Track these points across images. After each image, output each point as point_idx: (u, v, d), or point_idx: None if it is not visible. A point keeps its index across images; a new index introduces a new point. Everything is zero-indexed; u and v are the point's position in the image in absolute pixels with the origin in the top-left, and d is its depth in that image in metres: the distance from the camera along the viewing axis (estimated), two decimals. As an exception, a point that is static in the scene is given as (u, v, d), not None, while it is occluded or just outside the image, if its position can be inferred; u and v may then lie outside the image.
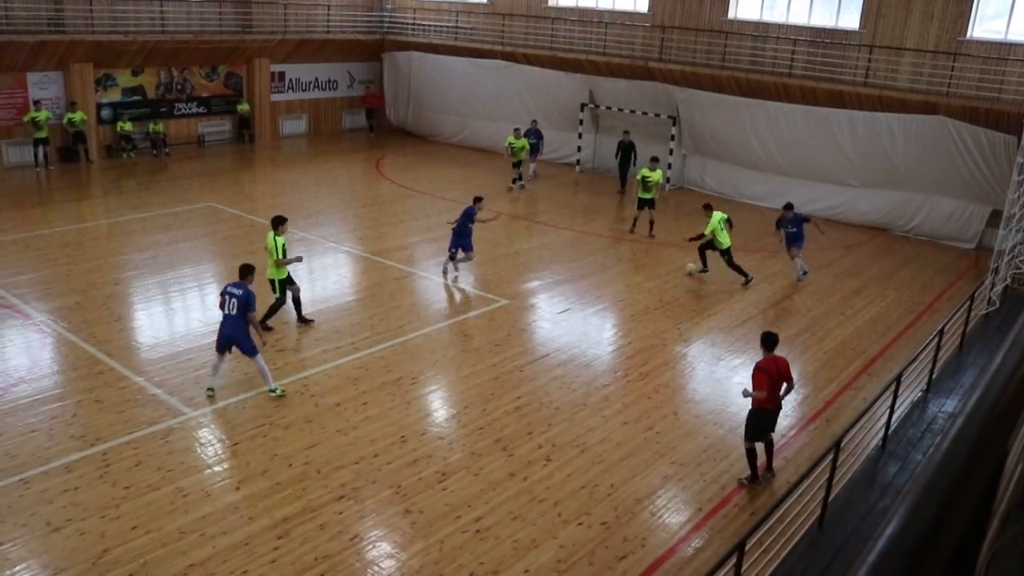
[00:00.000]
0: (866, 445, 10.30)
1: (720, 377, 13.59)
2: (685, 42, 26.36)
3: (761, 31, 25.22)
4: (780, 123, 24.10)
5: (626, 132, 25.82)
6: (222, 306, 12.03)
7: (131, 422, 11.34)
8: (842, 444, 8.66)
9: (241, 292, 11.92)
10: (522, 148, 25.17)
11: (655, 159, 21.28)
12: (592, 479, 10.56)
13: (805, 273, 18.33)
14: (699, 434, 11.78)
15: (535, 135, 26.50)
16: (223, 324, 12.01)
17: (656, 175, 20.57)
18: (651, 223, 20.81)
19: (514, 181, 25.66)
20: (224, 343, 12.02)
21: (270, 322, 14.36)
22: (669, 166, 26.44)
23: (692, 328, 15.54)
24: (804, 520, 8.47)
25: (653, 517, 9.90)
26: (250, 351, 11.98)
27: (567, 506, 9.97)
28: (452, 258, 17.12)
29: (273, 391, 12.14)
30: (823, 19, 24.54)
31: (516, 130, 25.76)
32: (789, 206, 18.22)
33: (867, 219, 23.27)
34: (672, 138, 26.27)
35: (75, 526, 9.18)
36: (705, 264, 18.18)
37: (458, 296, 16.76)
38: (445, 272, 17.41)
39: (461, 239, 17.06)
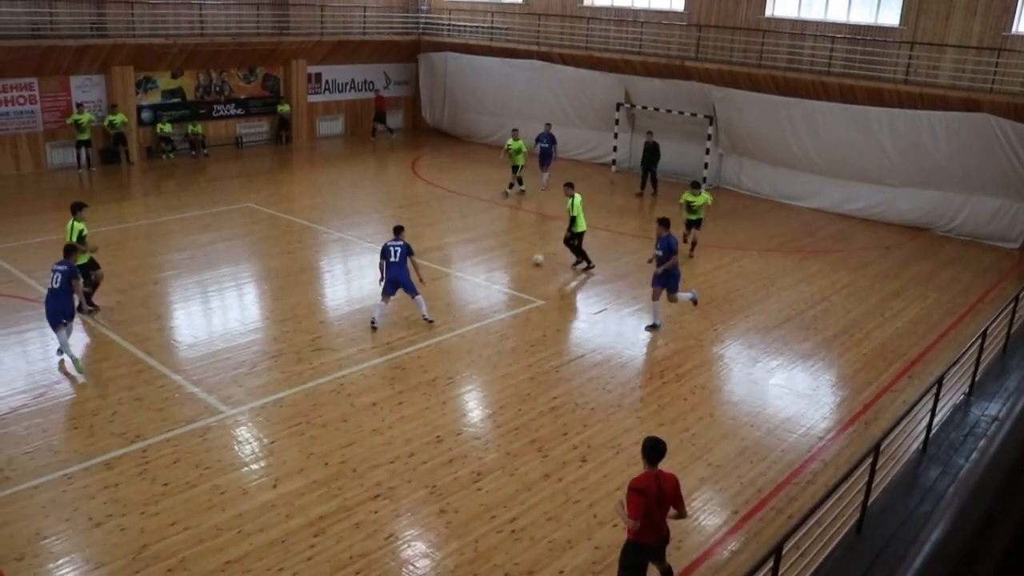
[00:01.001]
0: (906, 449, 10.13)
1: (757, 379, 13.47)
2: (721, 41, 26.17)
3: (799, 29, 24.97)
4: (818, 122, 23.84)
5: (649, 133, 25.61)
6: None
7: (170, 420, 11.48)
8: (881, 447, 8.51)
9: (65, 267, 12.94)
10: (518, 151, 24.32)
11: (696, 184, 19.73)
12: (628, 480, 10.43)
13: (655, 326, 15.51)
14: (736, 436, 11.69)
15: (547, 139, 25.36)
16: None
17: (701, 199, 19.19)
18: (693, 243, 19.53)
19: (510, 186, 24.80)
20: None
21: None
22: (706, 166, 26.27)
23: (729, 329, 15.41)
24: (842, 525, 8.34)
25: (689, 519, 9.80)
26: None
27: (602, 507, 9.92)
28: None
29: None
30: (862, 16, 24.25)
31: (514, 131, 25.04)
32: (664, 222, 15.04)
33: (907, 219, 22.94)
34: (708, 138, 26.08)
35: (115, 521, 9.31)
36: (588, 259, 18.23)
37: (495, 296, 16.76)
38: None
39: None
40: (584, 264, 18.08)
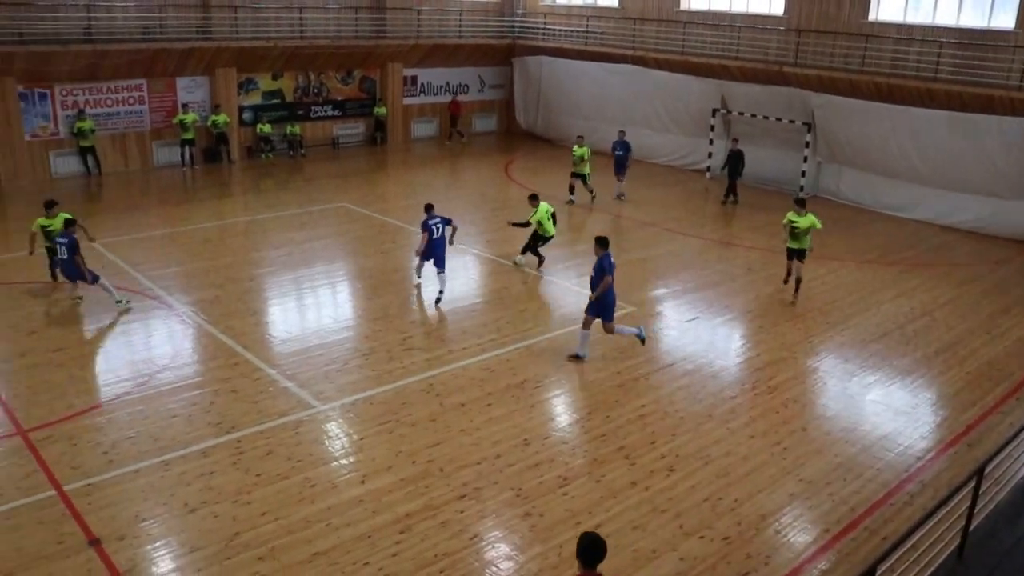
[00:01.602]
0: (1013, 474, 9.70)
1: (853, 393, 13.07)
2: (822, 45, 25.55)
3: (904, 33, 24.19)
4: (923, 130, 23.04)
5: (735, 140, 25.08)
6: None
7: (264, 412, 11.74)
8: (986, 471, 8.15)
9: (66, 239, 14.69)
10: (581, 158, 23.42)
11: (802, 202, 17.04)
12: (716, 492, 10.31)
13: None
14: (829, 452, 11.34)
15: (622, 147, 24.63)
16: None
17: (806, 221, 16.49)
18: (797, 281, 16.85)
19: (571, 190, 24.03)
20: None
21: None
22: (803, 174, 25.68)
23: (824, 342, 15.00)
24: (941, 550, 8.02)
25: (778, 535, 9.57)
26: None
27: (689, 518, 9.75)
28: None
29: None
30: (973, 19, 23.36)
31: (579, 138, 24.33)
32: (602, 241, 13.87)
33: (1018, 232, 21.94)
34: (807, 145, 25.49)
35: (210, 508, 9.55)
36: (541, 257, 18.19)
37: (585, 301, 16.65)
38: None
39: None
40: (527, 258, 18.25)
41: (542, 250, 18.12)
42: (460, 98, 34.26)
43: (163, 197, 23.96)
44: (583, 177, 23.64)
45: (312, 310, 15.90)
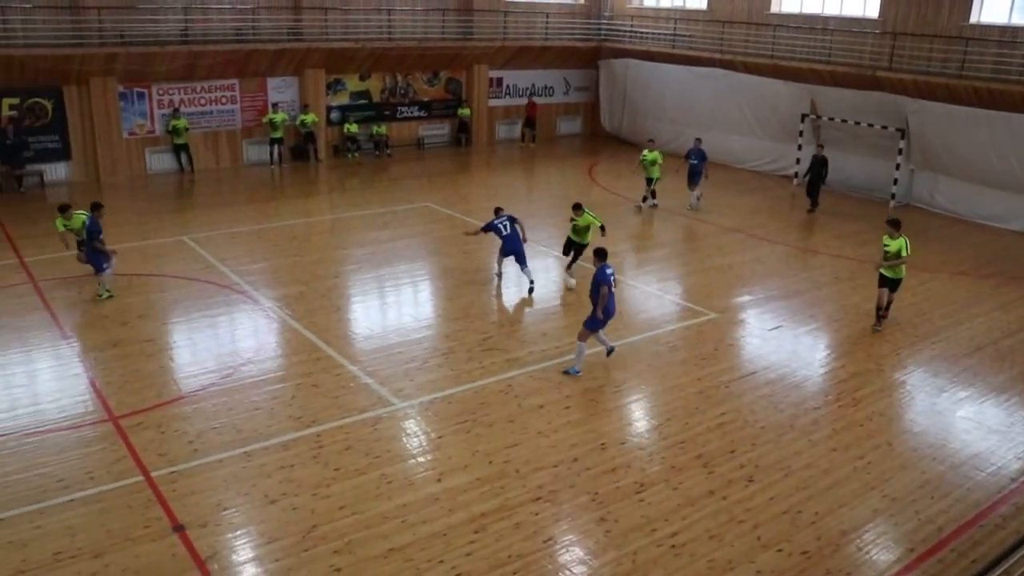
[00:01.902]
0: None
1: (942, 409, 12.61)
2: (919, 49, 24.78)
3: (1008, 36, 23.29)
4: (1025, 137, 22.15)
5: (820, 146, 24.39)
6: None
7: (344, 408, 11.89)
8: (1088, 492, 7.82)
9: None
10: (653, 163, 23.00)
11: (895, 223, 15.35)
12: (795, 505, 10.05)
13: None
14: (915, 468, 10.94)
15: (697, 155, 23.57)
16: None
17: (895, 244, 15.01)
18: (887, 305, 15.54)
19: (644, 199, 23.64)
20: None
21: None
22: (895, 182, 24.96)
23: (913, 355, 14.52)
24: (1037, 573, 7.70)
25: (859, 552, 9.28)
26: None
27: (767, 530, 9.54)
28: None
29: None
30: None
31: (650, 142, 24.11)
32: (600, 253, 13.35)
33: (1125, 246, 20.97)
34: (899, 152, 24.76)
35: (289, 500, 9.71)
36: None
37: (667, 307, 16.48)
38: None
39: None
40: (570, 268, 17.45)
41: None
42: (545, 101, 34.29)
43: (252, 194, 24.53)
44: (650, 181, 23.33)
45: (393, 308, 16.06)
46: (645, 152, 23.31)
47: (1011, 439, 11.85)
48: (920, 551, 9.32)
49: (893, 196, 24.97)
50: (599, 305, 12.83)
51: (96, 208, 15.79)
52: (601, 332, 13.47)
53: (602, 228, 16.90)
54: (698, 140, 24.38)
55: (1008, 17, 23.76)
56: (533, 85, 33.84)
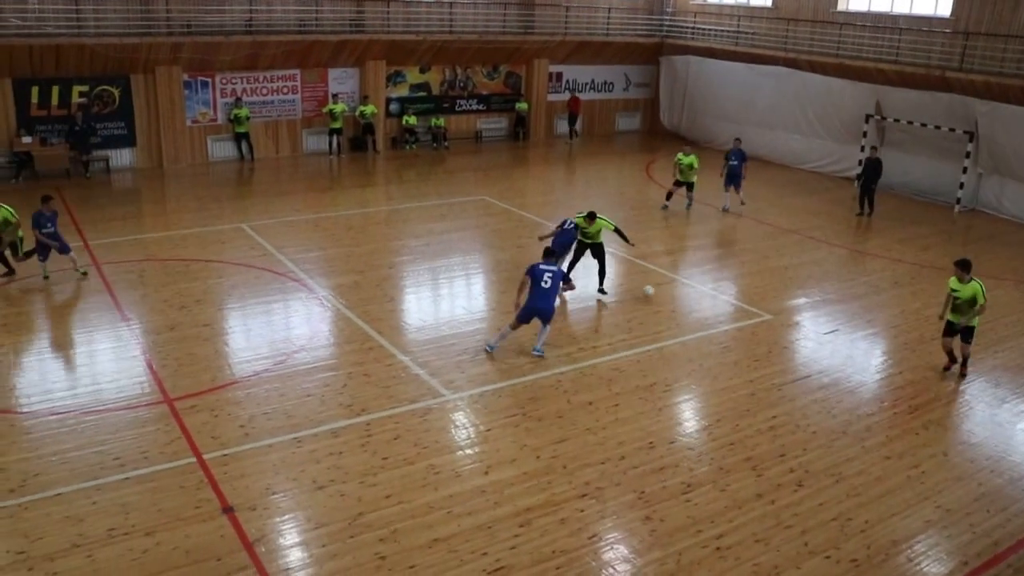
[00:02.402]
0: None
1: (1002, 421, 12.27)
2: (992, 49, 24.12)
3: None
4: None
5: (874, 148, 23.78)
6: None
7: (394, 398, 11.96)
8: None
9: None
10: (689, 167, 22.39)
11: (965, 265, 13.03)
12: (845, 512, 9.86)
13: None
14: (972, 480, 10.65)
15: (737, 156, 22.93)
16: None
17: (967, 290, 12.96)
18: (963, 360, 13.58)
19: (669, 197, 22.96)
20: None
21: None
22: (961, 186, 24.36)
23: (975, 363, 14.10)
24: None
25: (910, 563, 9.07)
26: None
27: (815, 536, 9.36)
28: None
29: None
30: None
31: (687, 146, 23.67)
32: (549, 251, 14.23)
33: None
34: (967, 155, 24.14)
35: (337, 487, 9.80)
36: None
37: (721, 307, 16.29)
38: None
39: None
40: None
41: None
42: (604, 97, 34.14)
43: (310, 183, 24.81)
44: (689, 185, 22.79)
45: (447, 300, 16.12)
46: (680, 155, 22.75)
47: (1075, 453, 11.51)
48: (974, 565, 9.08)
49: (959, 200, 24.37)
50: (519, 293, 13.42)
51: (45, 201, 15.89)
52: (508, 327, 13.52)
53: (621, 234, 16.43)
54: (737, 140, 23.87)
55: (1086, 18, 23.04)
56: (593, 80, 33.72)
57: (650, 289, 16.42)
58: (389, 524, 9.17)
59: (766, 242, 20.54)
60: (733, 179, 22.99)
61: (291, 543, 8.87)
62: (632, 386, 12.69)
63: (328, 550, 8.74)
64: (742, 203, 23.21)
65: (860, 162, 26.64)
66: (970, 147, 24.00)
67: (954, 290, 13.07)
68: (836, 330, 15.31)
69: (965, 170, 24.26)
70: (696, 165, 22.66)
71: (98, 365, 12.78)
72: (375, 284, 16.44)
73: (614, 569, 8.71)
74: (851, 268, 18.92)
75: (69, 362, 12.93)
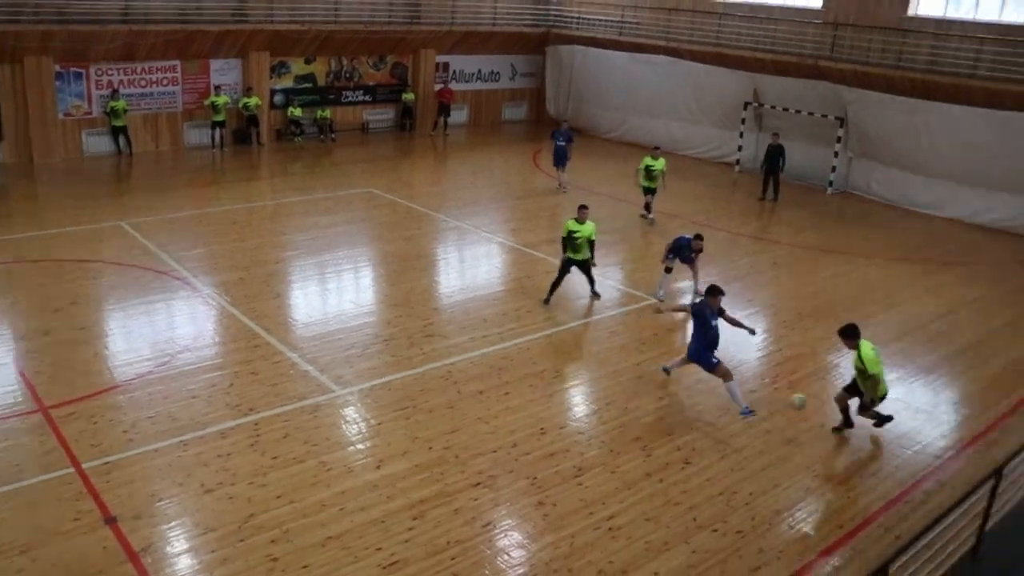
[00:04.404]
0: (1033, 475, 9.60)
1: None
2: (858, 40, 25.20)
3: (943, 29, 23.81)
4: (959, 128, 22.67)
5: (775, 135, 24.69)
6: None
7: (283, 395, 11.82)
8: (1004, 471, 8.08)
9: None
10: (661, 172, 21.03)
11: (849, 333, 11.30)
12: (731, 486, 10.27)
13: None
14: (847, 448, 11.27)
15: (564, 137, 23.49)
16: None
17: (856, 356, 11.12)
18: (867, 407, 11.46)
19: (647, 208, 21.59)
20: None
21: None
22: (833, 169, 25.44)
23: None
24: (956, 549, 7.95)
25: (791, 530, 9.53)
26: None
27: (703, 511, 9.72)
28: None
29: None
30: (1017, 15, 22.89)
31: (656, 149, 21.77)
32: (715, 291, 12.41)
33: (1051, 233, 21.62)
34: (838, 140, 25.21)
35: (225, 490, 9.64)
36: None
37: (607, 293, 16.61)
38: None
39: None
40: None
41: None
42: (491, 86, 34.26)
43: (192, 178, 24.14)
44: (653, 191, 21.32)
45: (335, 295, 15.98)
46: (649, 159, 21.12)
47: (936, 418, 12.25)
48: (849, 527, 9.61)
49: (831, 183, 25.45)
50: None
51: None
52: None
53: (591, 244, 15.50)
54: (565, 122, 25.04)
55: (943, 10, 24.28)
56: (480, 70, 33.78)
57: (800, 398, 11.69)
58: (281, 524, 9.08)
59: (650, 228, 21.00)
60: (560, 159, 23.60)
61: (179, 550, 8.69)
62: (522, 374, 12.86)
63: (218, 555, 8.60)
64: (560, 185, 23.92)
65: (740, 148, 27.58)
66: (841, 132, 25.08)
67: (859, 368, 11.06)
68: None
69: (836, 154, 25.33)
70: (664, 170, 21.23)
71: (-34, 375, 12.22)
72: (261, 280, 16.16)
73: (509, 556, 8.85)
74: (734, 251, 19.53)
75: (-65, 372, 12.32)
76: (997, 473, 7.88)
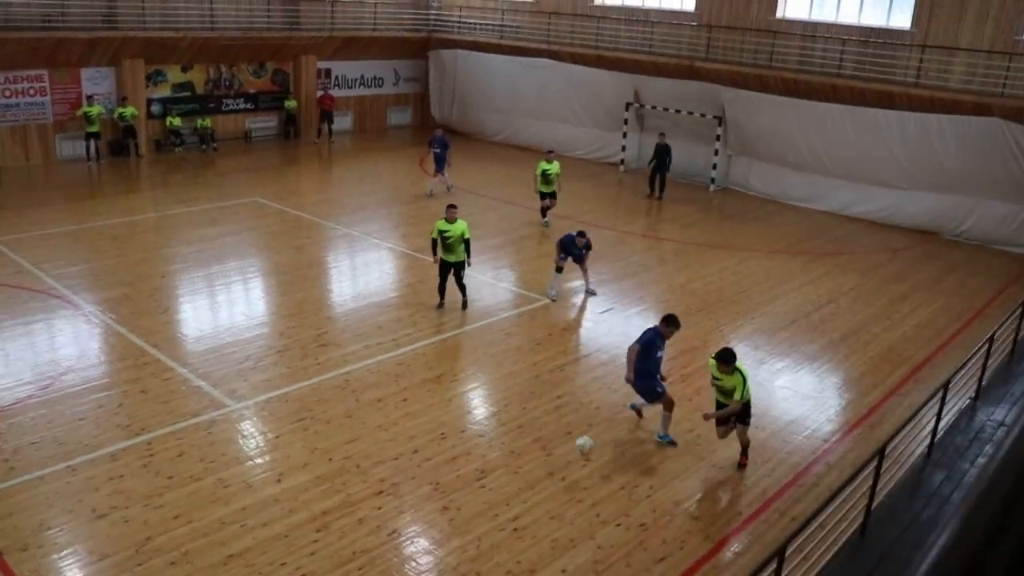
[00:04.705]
0: (911, 453, 10.10)
1: (762, 380, 13.39)
2: (732, 41, 26.10)
3: (809, 31, 24.89)
4: (828, 124, 23.75)
5: (662, 134, 25.40)
6: None
7: (175, 413, 11.50)
8: (886, 451, 8.49)
9: None
10: (557, 175, 21.04)
11: (724, 357, 10.62)
12: (631, 480, 10.50)
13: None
14: (733, 444, 11.60)
15: (440, 144, 23.70)
16: None
17: (731, 382, 10.60)
18: (743, 450, 11.15)
19: (544, 213, 21.49)
20: None
21: None
22: (714, 167, 26.26)
23: (735, 330, 15.38)
24: (846, 528, 8.33)
25: (693, 520, 9.81)
26: None
27: (606, 507, 9.92)
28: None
29: None
30: (874, 18, 24.15)
31: (550, 152, 21.79)
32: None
33: (916, 222, 22.84)
34: (717, 138, 26.03)
35: (120, 513, 9.33)
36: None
37: (501, 295, 16.74)
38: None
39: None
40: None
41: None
42: (375, 92, 34.04)
43: (68, 192, 23.14)
44: (552, 195, 21.24)
45: (225, 307, 15.62)
46: (543, 163, 21.06)
47: (823, 403, 12.81)
48: (747, 514, 9.99)
49: (713, 180, 26.26)
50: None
51: None
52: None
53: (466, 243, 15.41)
54: (439, 130, 25.17)
55: (808, 13, 25.37)
56: (363, 76, 33.50)
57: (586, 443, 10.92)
58: (180, 545, 8.85)
59: (541, 229, 21.23)
60: (439, 164, 23.89)
61: (72, 578, 8.38)
62: (419, 379, 12.85)
63: (114, 580, 8.33)
64: (448, 188, 24.15)
65: (623, 148, 28.19)
66: (719, 131, 25.90)
67: (716, 377, 10.84)
68: (611, 309, 16.14)
69: (716, 152, 26.15)
70: (560, 172, 21.24)
71: None
72: (147, 295, 15.66)
73: (416, 562, 8.84)
74: (621, 249, 19.94)
75: None
76: (880, 453, 8.29)
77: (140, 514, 9.33)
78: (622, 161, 28.59)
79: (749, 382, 10.62)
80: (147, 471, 10.15)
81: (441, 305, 15.55)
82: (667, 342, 11.67)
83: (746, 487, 10.50)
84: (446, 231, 15.08)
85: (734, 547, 9.40)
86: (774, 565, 6.74)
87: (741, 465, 11.04)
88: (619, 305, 16.34)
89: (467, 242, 15.22)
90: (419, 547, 9.12)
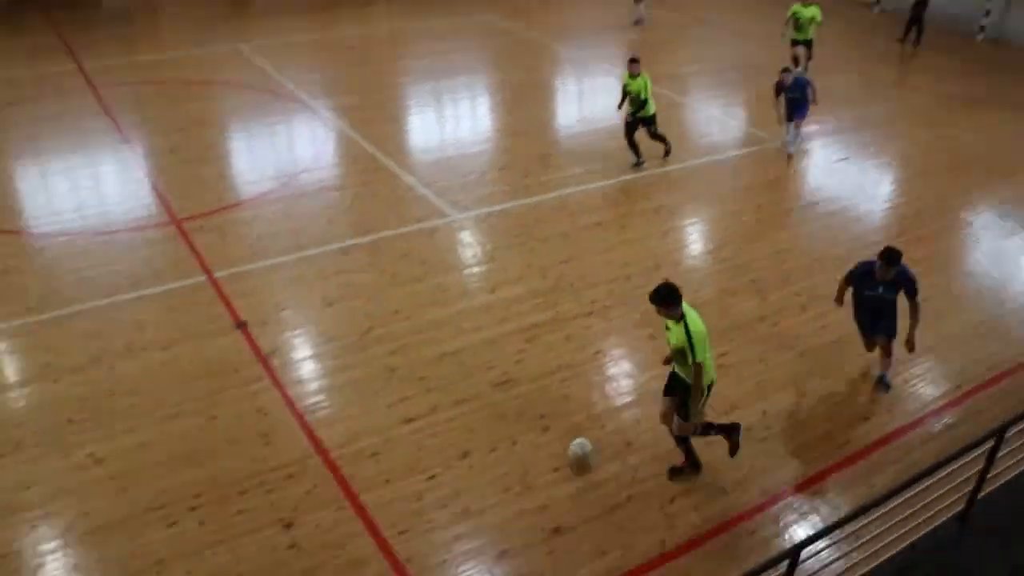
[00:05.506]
0: None
1: (1008, 251, 12.13)
2: None
3: None
4: None
5: None
6: None
7: (401, 217, 11.98)
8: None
9: None
10: (811, 19, 17.86)
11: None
12: (845, 335, 9.98)
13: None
14: (974, 308, 10.58)
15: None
16: None
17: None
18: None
19: (795, 61, 16.43)
20: None
21: None
22: (987, 12, 23.46)
23: (985, 196, 13.94)
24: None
25: (905, 386, 9.19)
26: None
27: (812, 358, 9.51)
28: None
29: None
30: None
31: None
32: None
33: None
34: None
35: (346, 303, 9.96)
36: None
37: (730, 132, 16.04)
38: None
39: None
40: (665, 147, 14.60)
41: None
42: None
43: (309, 2, 23.91)
44: (808, 43, 18.08)
45: (451, 121, 15.89)
46: (798, 7, 17.88)
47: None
48: (967, 388, 9.22)
49: (983, 29, 23.55)
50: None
51: None
52: None
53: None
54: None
55: None
56: None
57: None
58: (398, 339, 9.36)
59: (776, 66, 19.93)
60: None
61: (303, 356, 9.09)
62: (638, 209, 12.68)
63: (339, 362, 8.96)
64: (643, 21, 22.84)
65: None
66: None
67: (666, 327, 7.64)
68: (847, 158, 15.11)
69: (989, -7, 23.30)
70: (819, 18, 18.09)
71: (103, 187, 12.76)
72: (378, 105, 16.15)
73: (617, 383, 8.94)
74: (866, 95, 18.42)
75: (75, 184, 12.88)
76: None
77: (364, 306, 9.92)
78: (877, 0, 26.13)
79: (702, 338, 7.17)
80: (372, 268, 10.71)
81: (638, 163, 14.32)
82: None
83: (971, 361, 9.66)
84: (629, 86, 13.52)
85: (946, 419, 8.72)
86: (991, 443, 6.29)
87: (674, 472, 7.88)
88: (856, 155, 15.27)
89: (644, 103, 13.59)
90: (622, 369, 9.19)
